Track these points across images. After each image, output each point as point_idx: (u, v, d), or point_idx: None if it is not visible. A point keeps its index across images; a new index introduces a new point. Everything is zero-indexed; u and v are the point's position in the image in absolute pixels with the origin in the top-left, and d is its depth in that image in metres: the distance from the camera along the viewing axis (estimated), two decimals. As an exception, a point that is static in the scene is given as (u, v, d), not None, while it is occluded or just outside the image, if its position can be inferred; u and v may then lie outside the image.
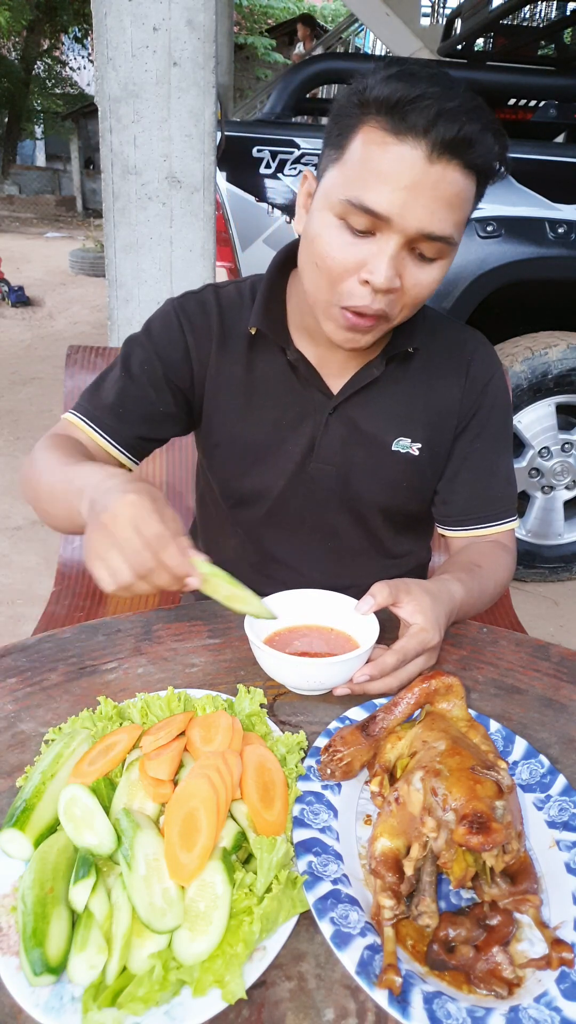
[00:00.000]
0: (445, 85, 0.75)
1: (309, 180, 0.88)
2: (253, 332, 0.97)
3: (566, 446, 2.59)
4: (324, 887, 0.55)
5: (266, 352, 0.98)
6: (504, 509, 1.04)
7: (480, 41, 4.56)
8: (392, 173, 0.75)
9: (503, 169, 0.82)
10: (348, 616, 0.82)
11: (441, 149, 0.74)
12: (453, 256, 0.85)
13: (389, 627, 0.84)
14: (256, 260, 2.29)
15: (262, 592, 1.10)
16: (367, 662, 0.77)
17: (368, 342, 0.88)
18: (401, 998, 0.48)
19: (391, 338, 0.98)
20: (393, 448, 1.00)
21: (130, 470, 1.01)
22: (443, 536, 1.08)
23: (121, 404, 0.98)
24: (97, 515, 0.70)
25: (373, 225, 0.78)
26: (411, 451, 1.00)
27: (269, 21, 17.79)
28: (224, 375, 1.00)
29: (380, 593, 0.80)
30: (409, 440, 1.00)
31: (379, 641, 0.78)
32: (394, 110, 0.74)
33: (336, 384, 0.98)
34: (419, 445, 1.00)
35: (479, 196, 0.83)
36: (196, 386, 1.01)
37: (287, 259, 0.98)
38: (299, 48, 11.53)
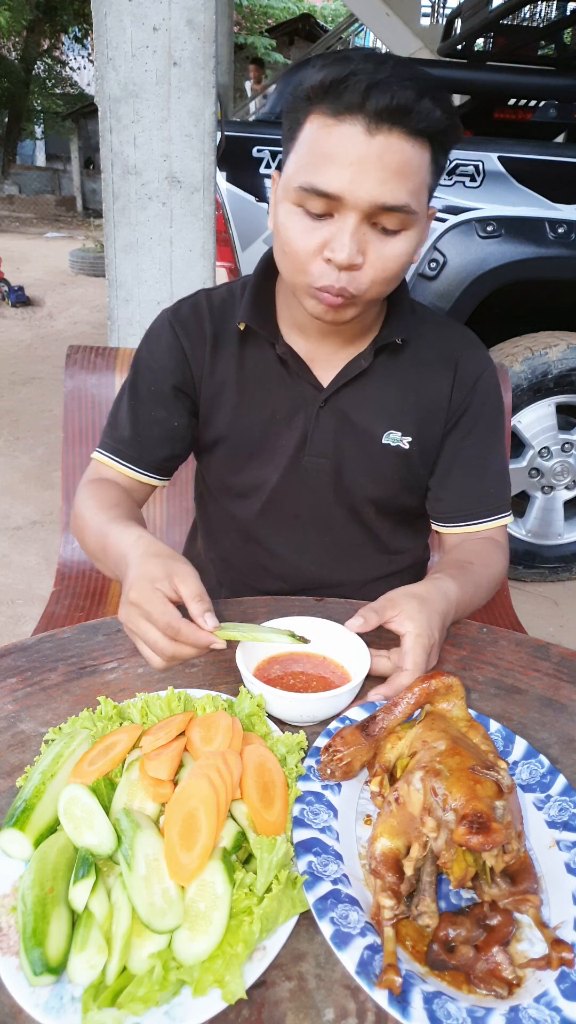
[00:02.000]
0: (376, 61, 0.76)
1: (277, 178, 0.90)
2: (242, 328, 0.98)
3: (566, 446, 2.59)
4: (324, 887, 0.55)
5: (256, 348, 0.99)
6: (496, 506, 1.04)
7: (480, 41, 4.56)
8: (337, 153, 0.77)
9: (453, 131, 0.81)
10: (340, 644, 0.82)
11: (378, 120, 0.75)
12: (422, 229, 0.85)
13: (386, 635, 0.84)
14: (256, 260, 2.29)
15: (261, 589, 1.10)
16: (383, 681, 0.79)
17: (350, 316, 0.88)
18: (401, 998, 0.48)
19: (379, 329, 0.99)
20: (383, 441, 1.00)
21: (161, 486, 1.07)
22: (437, 532, 1.09)
23: (138, 432, 1.01)
24: (124, 594, 0.79)
25: (328, 206, 0.79)
26: (401, 444, 1.00)
27: (269, 21, 17.79)
28: (218, 374, 1.01)
29: (369, 618, 0.82)
30: (399, 433, 1.00)
31: (377, 645, 0.78)
32: (329, 92, 0.76)
33: (326, 377, 0.99)
34: (409, 439, 1.00)
35: (439, 163, 0.83)
36: (196, 388, 1.02)
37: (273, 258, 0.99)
38: (248, 86, 11.64)
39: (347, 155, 0.76)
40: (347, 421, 1.00)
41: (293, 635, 0.77)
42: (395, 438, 1.00)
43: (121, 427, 1.02)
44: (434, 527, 1.09)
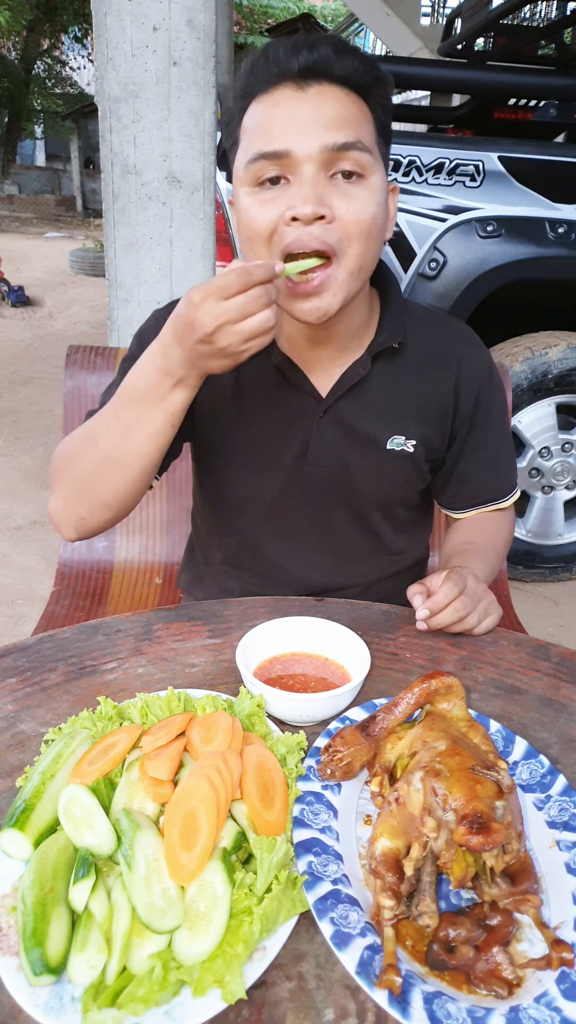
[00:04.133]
0: (289, 35, 0.82)
1: (233, 203, 0.90)
2: None
3: (566, 446, 2.59)
4: (324, 887, 0.55)
5: (252, 357, 0.98)
6: (510, 485, 1.11)
7: (480, 41, 4.56)
8: (276, 115, 0.80)
9: (382, 85, 0.83)
10: (340, 644, 0.82)
11: (305, 76, 0.79)
12: (383, 187, 0.85)
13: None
14: (256, 260, 2.29)
15: (262, 594, 1.10)
16: (427, 598, 0.87)
17: (330, 303, 0.84)
18: (401, 998, 0.48)
19: (375, 335, 0.98)
20: (388, 447, 1.00)
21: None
22: (449, 516, 1.14)
23: None
24: (195, 353, 0.76)
25: (282, 168, 0.80)
26: (406, 448, 1.00)
27: (269, 21, 17.79)
28: (212, 382, 0.99)
29: (419, 594, 0.88)
30: (403, 437, 1.00)
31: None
32: (255, 72, 0.81)
33: (324, 386, 0.98)
34: (413, 441, 1.00)
35: (381, 121, 0.85)
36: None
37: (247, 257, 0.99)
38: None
39: (286, 115, 0.79)
40: (350, 430, 0.99)
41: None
42: (399, 442, 1.00)
43: None
44: (447, 513, 1.14)
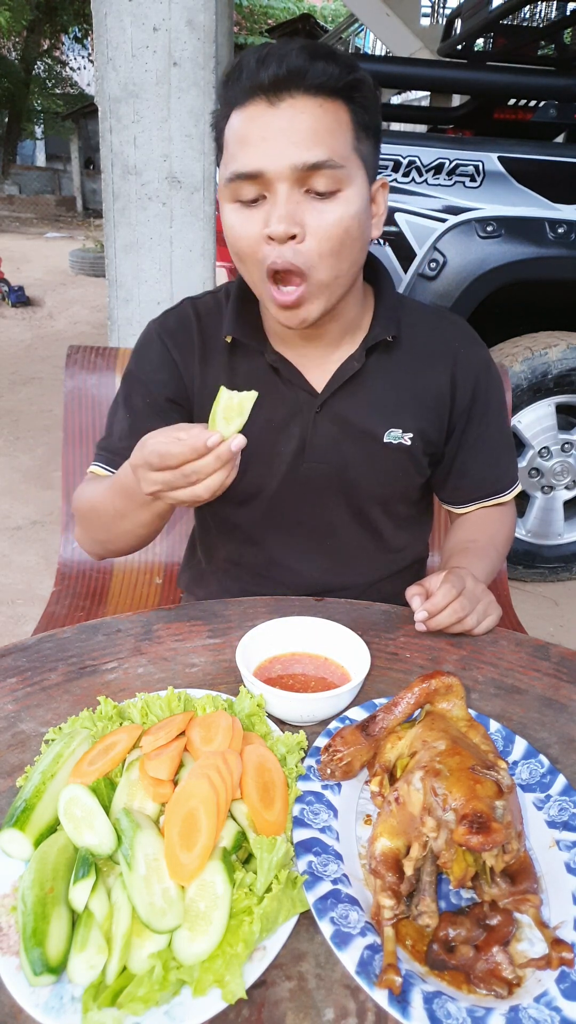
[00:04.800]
0: (262, 47, 0.80)
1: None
2: (229, 340, 0.98)
3: (566, 446, 2.59)
4: (324, 887, 0.55)
5: (246, 357, 0.99)
6: (511, 479, 1.10)
7: (480, 41, 4.56)
8: (249, 133, 0.80)
9: (362, 85, 0.82)
10: (340, 644, 0.82)
11: (276, 89, 0.78)
12: (361, 192, 0.84)
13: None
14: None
15: (263, 594, 1.10)
16: (427, 598, 0.87)
17: (309, 311, 0.86)
18: (401, 998, 0.48)
19: (369, 329, 0.99)
20: (385, 440, 1.00)
21: None
22: (451, 512, 1.14)
23: (132, 443, 0.99)
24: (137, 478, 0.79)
25: (258, 187, 0.81)
26: (403, 441, 1.00)
27: (269, 21, 17.80)
28: (209, 384, 1.00)
29: (418, 595, 0.88)
30: (400, 430, 1.00)
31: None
32: (229, 85, 0.81)
33: (320, 382, 0.98)
34: (411, 435, 1.01)
35: (364, 121, 0.84)
36: (190, 398, 1.02)
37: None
38: None
39: (258, 131, 0.79)
40: (346, 424, 0.99)
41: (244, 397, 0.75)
42: (396, 436, 1.00)
43: (117, 439, 1.01)
44: (448, 508, 1.14)
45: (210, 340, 1.00)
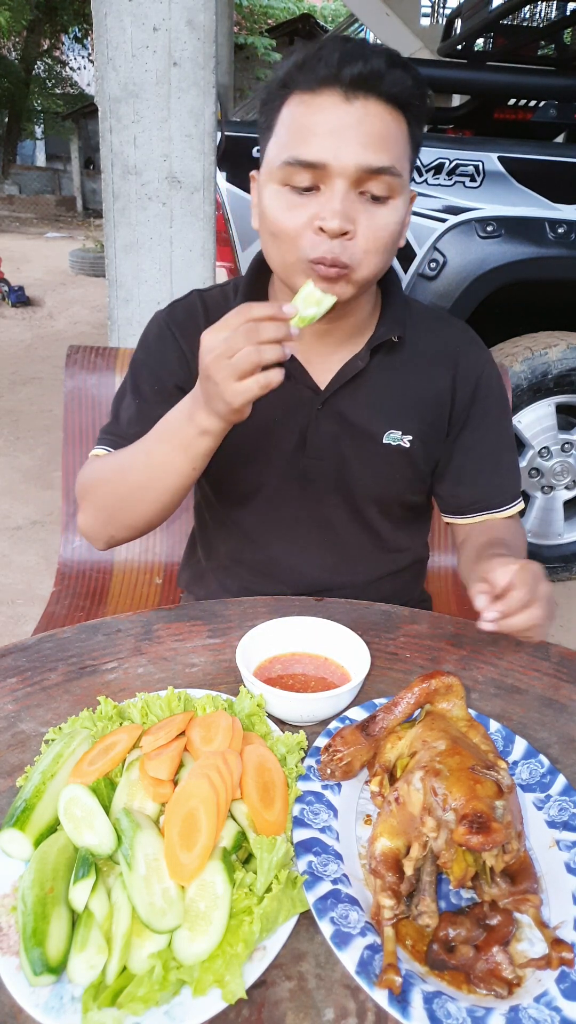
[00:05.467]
0: (345, 39, 0.80)
1: (256, 180, 0.91)
2: None
3: (566, 446, 2.59)
4: (324, 887, 0.55)
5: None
6: (511, 494, 1.06)
7: (480, 41, 4.56)
8: (318, 123, 0.79)
9: (425, 102, 0.84)
10: (340, 644, 0.82)
11: (354, 87, 0.78)
12: (407, 202, 0.86)
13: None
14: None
15: (263, 592, 1.10)
16: (496, 598, 0.75)
17: (349, 294, 0.87)
18: (401, 998, 0.48)
19: (375, 328, 0.99)
20: (384, 441, 1.00)
21: None
22: (449, 524, 1.10)
23: (142, 428, 0.98)
24: (205, 394, 0.77)
25: (315, 178, 0.81)
26: (402, 443, 1.00)
27: (269, 21, 17.79)
28: None
29: (483, 592, 0.77)
30: (400, 432, 1.00)
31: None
32: (304, 70, 0.80)
33: (323, 379, 0.99)
34: (410, 437, 1.00)
35: (416, 137, 0.85)
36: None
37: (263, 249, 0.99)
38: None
39: (328, 123, 0.79)
40: (346, 423, 0.99)
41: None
42: (395, 437, 1.00)
43: (126, 425, 1.00)
44: (447, 520, 1.10)
45: None
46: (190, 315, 1.02)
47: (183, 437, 0.84)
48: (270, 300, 1.00)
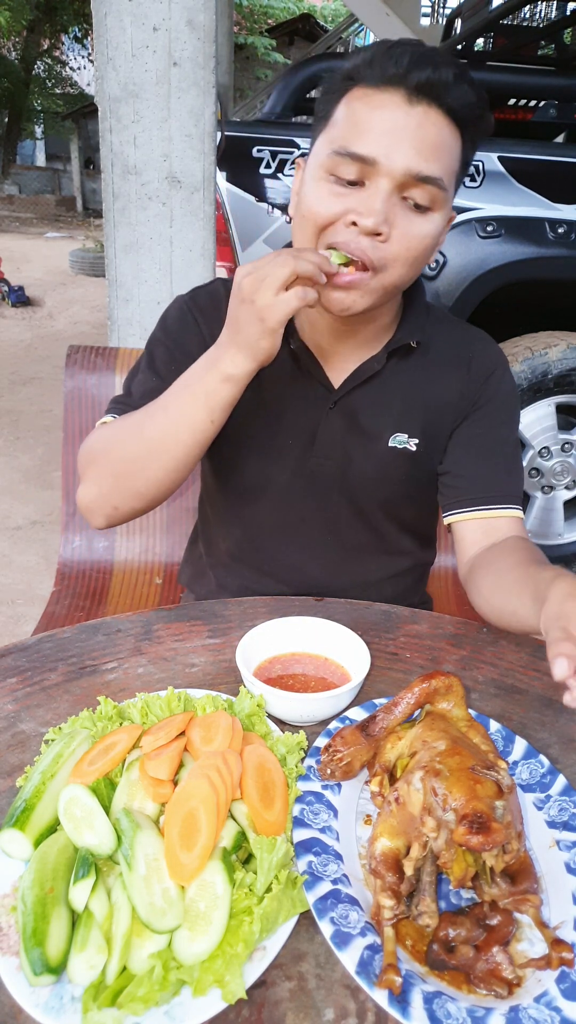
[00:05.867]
0: (418, 43, 0.80)
1: (300, 167, 0.90)
2: None
3: (566, 446, 2.59)
4: (324, 887, 0.55)
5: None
6: (508, 494, 1.00)
7: (480, 41, 4.56)
8: (376, 119, 0.79)
9: (484, 123, 0.83)
10: (340, 644, 0.82)
11: (419, 92, 0.78)
12: (448, 215, 0.85)
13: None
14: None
15: (264, 594, 1.10)
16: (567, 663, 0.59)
17: (355, 302, 0.85)
18: (401, 998, 0.48)
19: (394, 332, 0.98)
20: (390, 444, 1.00)
21: None
22: (449, 525, 1.04)
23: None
24: (235, 327, 0.79)
25: (362, 172, 0.80)
26: (408, 446, 1.00)
27: (269, 21, 17.78)
28: None
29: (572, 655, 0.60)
30: (406, 435, 1.00)
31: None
32: (372, 65, 0.79)
33: (338, 378, 0.98)
34: (416, 440, 1.00)
35: (467, 157, 0.85)
36: None
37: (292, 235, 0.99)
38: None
39: (386, 121, 0.78)
40: (355, 423, 0.99)
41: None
42: (401, 440, 1.00)
43: (137, 397, 0.96)
44: (447, 521, 1.04)
45: None
46: (213, 302, 1.00)
47: (205, 385, 0.83)
48: None
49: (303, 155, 0.90)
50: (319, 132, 0.85)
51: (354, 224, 0.80)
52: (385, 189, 0.79)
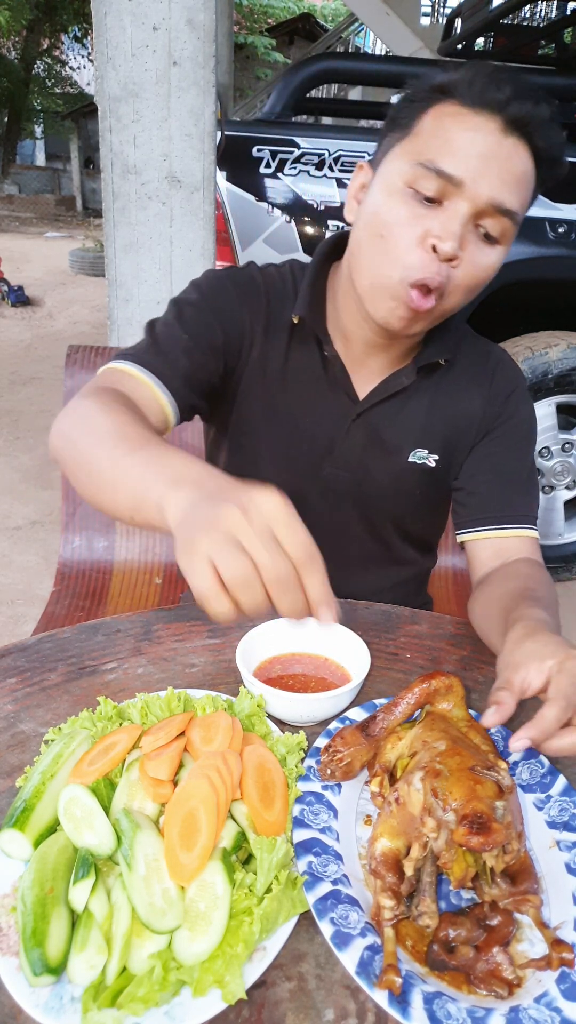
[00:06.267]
0: (518, 73, 0.79)
1: (364, 170, 0.89)
2: (296, 321, 0.94)
3: (566, 446, 2.59)
4: (324, 887, 0.55)
5: (303, 345, 0.96)
6: (522, 514, 0.99)
7: (480, 41, 4.56)
8: (467, 141, 0.77)
9: (558, 168, 0.82)
10: (340, 644, 0.82)
11: (514, 126, 0.77)
12: (507, 250, 0.84)
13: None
14: (256, 259, 2.29)
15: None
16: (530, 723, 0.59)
17: (420, 329, 0.86)
18: (401, 998, 0.48)
19: (422, 348, 0.97)
20: (409, 459, 0.99)
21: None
22: (462, 543, 1.03)
23: (169, 357, 0.88)
24: (211, 507, 0.60)
25: (443, 191, 0.78)
26: (427, 462, 0.99)
27: (269, 21, 17.79)
28: (262, 361, 0.96)
29: (505, 702, 0.62)
30: (427, 451, 0.99)
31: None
32: (471, 86, 0.78)
33: (364, 390, 0.97)
34: (436, 457, 0.99)
35: (533, 199, 0.84)
36: (240, 366, 0.97)
37: (332, 251, 0.97)
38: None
39: (479, 146, 0.77)
40: (376, 437, 0.98)
41: None
42: (421, 456, 0.99)
43: (150, 348, 0.89)
44: (460, 538, 1.03)
45: (275, 313, 0.96)
46: (252, 286, 0.97)
47: (147, 498, 0.70)
48: (327, 299, 0.96)
49: (366, 157, 0.88)
50: (396, 139, 0.83)
51: (434, 249, 0.79)
52: (464, 213, 0.78)
